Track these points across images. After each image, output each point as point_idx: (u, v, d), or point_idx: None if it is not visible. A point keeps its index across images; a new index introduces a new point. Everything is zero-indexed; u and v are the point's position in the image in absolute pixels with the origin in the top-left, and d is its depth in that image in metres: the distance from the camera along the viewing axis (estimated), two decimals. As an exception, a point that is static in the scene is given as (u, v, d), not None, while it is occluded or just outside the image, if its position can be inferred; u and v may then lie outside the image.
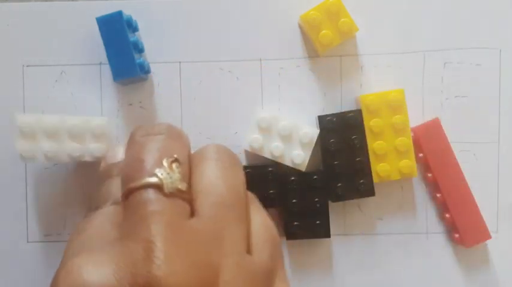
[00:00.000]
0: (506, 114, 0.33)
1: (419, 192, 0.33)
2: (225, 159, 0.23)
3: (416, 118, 0.32)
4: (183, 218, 0.20)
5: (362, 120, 0.31)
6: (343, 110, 0.32)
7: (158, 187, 0.20)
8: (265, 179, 0.31)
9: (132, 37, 0.30)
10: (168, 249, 0.18)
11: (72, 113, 0.32)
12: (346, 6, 0.31)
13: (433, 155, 0.32)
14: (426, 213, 0.33)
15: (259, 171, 0.31)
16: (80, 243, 0.22)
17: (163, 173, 0.21)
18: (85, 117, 0.30)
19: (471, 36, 0.33)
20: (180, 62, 0.32)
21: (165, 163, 0.21)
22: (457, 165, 0.32)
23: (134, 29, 0.31)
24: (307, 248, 0.33)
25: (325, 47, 0.31)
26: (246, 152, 0.32)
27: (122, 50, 0.30)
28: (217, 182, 0.22)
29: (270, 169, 0.31)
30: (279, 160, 0.31)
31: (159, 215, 0.20)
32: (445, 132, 0.32)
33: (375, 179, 0.31)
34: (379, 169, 0.31)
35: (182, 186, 0.21)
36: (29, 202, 0.32)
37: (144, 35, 0.32)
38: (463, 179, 0.32)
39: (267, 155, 0.31)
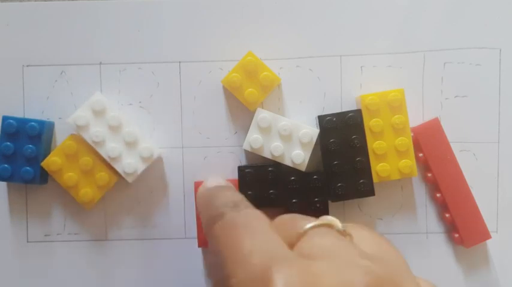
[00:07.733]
0: (506, 114, 0.33)
1: (419, 192, 0.33)
2: None
3: (416, 118, 0.32)
4: None
5: (362, 120, 0.31)
6: (343, 110, 0.32)
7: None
8: (265, 179, 0.31)
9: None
10: None
11: (72, 113, 0.32)
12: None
13: (433, 155, 0.32)
14: (426, 213, 0.33)
15: (259, 171, 0.31)
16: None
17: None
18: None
19: (471, 36, 0.33)
20: (180, 62, 0.32)
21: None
22: (457, 165, 0.32)
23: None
24: (307, 248, 0.32)
25: (253, 105, 0.31)
26: (246, 152, 0.32)
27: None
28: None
29: (270, 169, 0.31)
30: (279, 160, 0.31)
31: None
32: (445, 132, 0.32)
33: (375, 179, 0.31)
34: (379, 168, 0.31)
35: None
36: (29, 202, 0.32)
37: (144, 35, 0.32)
38: (463, 179, 0.32)
39: (267, 155, 0.31)
